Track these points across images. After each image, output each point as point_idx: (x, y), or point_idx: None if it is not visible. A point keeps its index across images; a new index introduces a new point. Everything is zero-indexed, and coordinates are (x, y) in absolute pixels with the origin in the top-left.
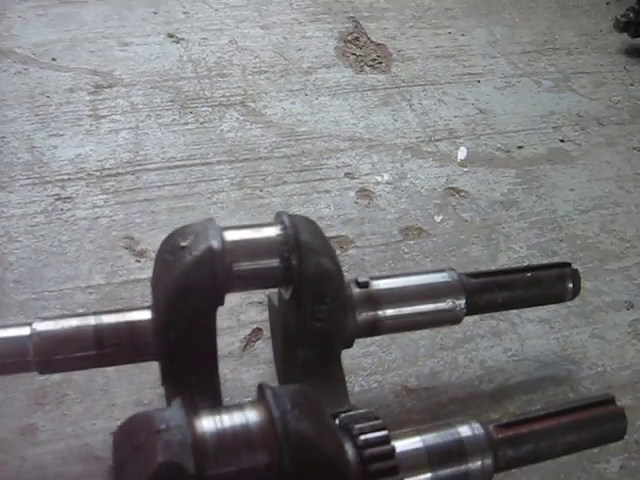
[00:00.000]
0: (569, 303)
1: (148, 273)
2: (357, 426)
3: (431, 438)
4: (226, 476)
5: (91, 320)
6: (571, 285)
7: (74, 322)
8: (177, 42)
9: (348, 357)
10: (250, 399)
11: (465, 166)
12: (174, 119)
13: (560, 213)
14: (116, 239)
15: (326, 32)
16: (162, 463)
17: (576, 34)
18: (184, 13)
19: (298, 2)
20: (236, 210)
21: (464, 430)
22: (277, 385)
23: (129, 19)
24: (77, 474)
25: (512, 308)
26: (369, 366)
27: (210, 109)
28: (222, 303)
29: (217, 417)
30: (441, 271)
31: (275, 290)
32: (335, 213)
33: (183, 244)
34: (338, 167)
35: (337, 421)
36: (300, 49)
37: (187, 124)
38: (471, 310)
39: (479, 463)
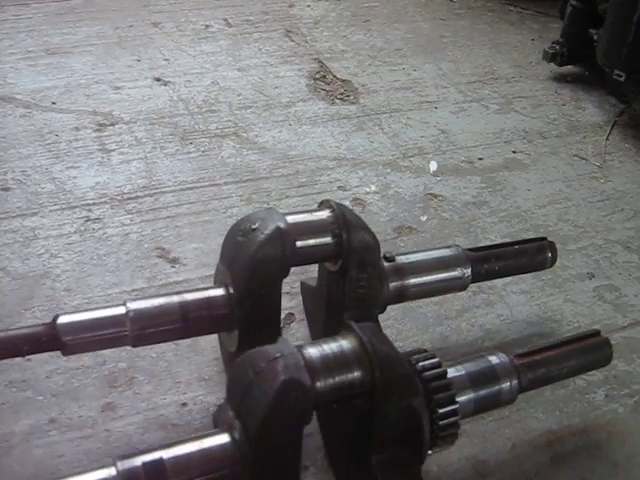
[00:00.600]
0: (543, 277)
1: (184, 276)
2: (414, 357)
3: (469, 366)
4: (332, 389)
5: (175, 298)
6: (550, 255)
7: (161, 300)
8: (165, 85)
9: None
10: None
11: (437, 176)
12: (177, 149)
13: (523, 209)
14: (148, 250)
15: (296, 72)
16: (285, 380)
17: (510, 66)
18: (165, 60)
19: (266, 47)
20: None
21: (493, 359)
22: None
23: (115, 66)
24: (159, 439)
25: (506, 275)
26: (390, 335)
27: (208, 140)
28: (287, 275)
29: (317, 346)
30: (448, 247)
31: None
32: None
33: (254, 227)
34: (330, 182)
35: None
36: (276, 87)
37: (190, 153)
38: (475, 278)
39: (508, 384)
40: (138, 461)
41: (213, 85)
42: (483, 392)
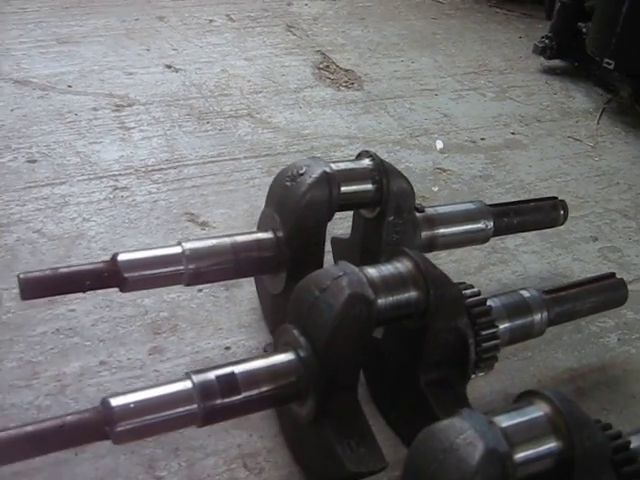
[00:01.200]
0: (551, 240)
1: None
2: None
3: (504, 299)
4: (391, 306)
5: (227, 240)
6: (562, 212)
7: (214, 241)
8: (176, 72)
9: None
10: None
11: (444, 153)
12: (195, 128)
13: (526, 182)
14: (178, 215)
15: (301, 62)
16: (350, 293)
17: (502, 60)
18: (173, 50)
19: (270, 40)
20: None
21: (525, 293)
22: None
23: (126, 55)
24: None
25: (523, 230)
26: None
27: (223, 120)
28: (331, 218)
29: (376, 268)
30: (472, 202)
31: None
32: None
33: (301, 172)
34: (344, 157)
35: None
36: (283, 75)
37: (207, 131)
38: (496, 231)
39: (539, 316)
40: (212, 375)
41: (223, 72)
42: (518, 322)
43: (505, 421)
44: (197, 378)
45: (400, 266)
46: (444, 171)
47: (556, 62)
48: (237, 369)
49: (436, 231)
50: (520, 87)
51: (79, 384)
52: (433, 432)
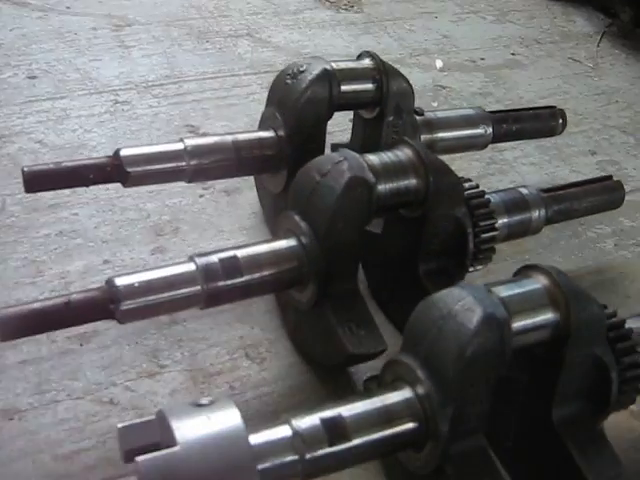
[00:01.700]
0: (549, 153)
1: None
2: None
3: (503, 195)
4: (390, 193)
5: (229, 137)
6: (561, 121)
7: (216, 138)
8: None
9: None
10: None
11: (444, 72)
12: (195, 46)
13: (526, 99)
14: (179, 127)
15: None
16: (351, 176)
17: None
18: None
19: None
20: None
21: (524, 190)
22: None
23: None
24: None
25: (522, 138)
26: None
27: (223, 39)
28: (331, 117)
29: (377, 155)
30: (471, 108)
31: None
32: None
33: (302, 69)
34: None
35: None
36: None
37: (207, 49)
38: (495, 138)
39: (537, 213)
40: (215, 258)
41: None
42: (516, 218)
43: (504, 291)
44: (200, 261)
45: (401, 154)
46: (443, 88)
47: None
48: (240, 253)
49: (435, 135)
50: (520, 11)
51: (83, 281)
52: (432, 301)
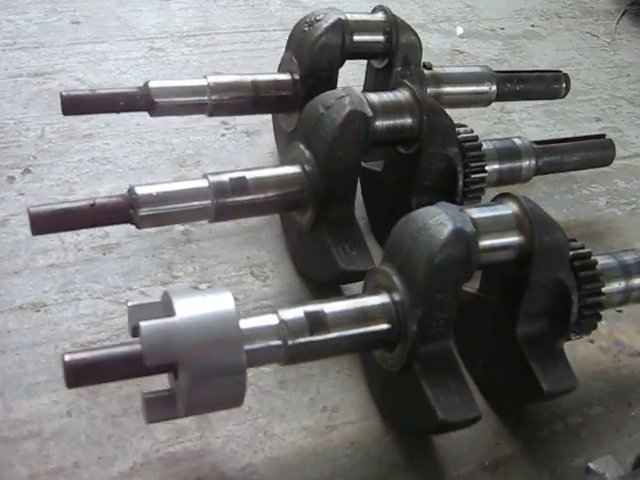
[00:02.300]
0: (554, 117)
1: None
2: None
3: (497, 143)
4: (387, 129)
5: (248, 77)
6: (564, 85)
7: (237, 77)
8: None
9: None
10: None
11: (463, 38)
12: (229, 2)
13: (539, 67)
14: (208, 74)
15: None
16: (351, 110)
17: None
18: None
19: None
20: None
21: (517, 140)
22: None
23: None
24: None
25: (525, 99)
26: None
27: None
28: (342, 63)
29: (377, 93)
30: (478, 65)
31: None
32: None
33: (318, 18)
34: None
35: None
36: None
37: (240, 6)
38: (499, 96)
39: (527, 162)
40: (225, 177)
41: None
42: (507, 165)
43: (476, 213)
44: (212, 178)
45: (399, 94)
46: (461, 53)
47: None
48: (248, 174)
49: (441, 89)
50: None
51: None
52: (410, 216)
